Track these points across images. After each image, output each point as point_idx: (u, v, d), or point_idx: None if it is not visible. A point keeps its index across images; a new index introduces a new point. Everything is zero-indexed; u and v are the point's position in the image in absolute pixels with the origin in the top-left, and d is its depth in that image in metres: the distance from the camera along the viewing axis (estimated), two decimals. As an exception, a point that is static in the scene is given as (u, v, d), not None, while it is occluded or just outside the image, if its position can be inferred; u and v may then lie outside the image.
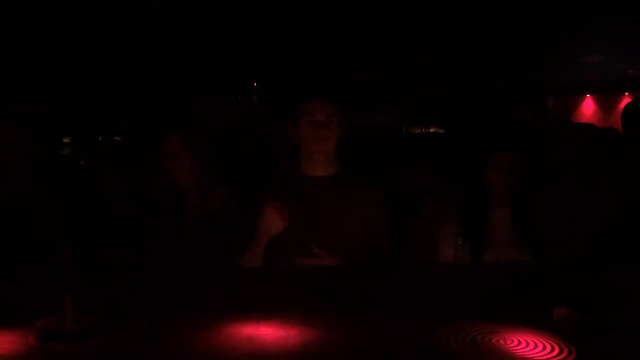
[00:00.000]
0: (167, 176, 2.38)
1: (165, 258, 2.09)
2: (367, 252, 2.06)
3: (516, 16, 5.62)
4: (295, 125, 2.10)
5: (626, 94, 9.11)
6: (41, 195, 2.26)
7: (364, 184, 2.14)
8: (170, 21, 5.30)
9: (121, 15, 5.06)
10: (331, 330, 1.35)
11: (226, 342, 1.29)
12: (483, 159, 2.30)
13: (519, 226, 2.16)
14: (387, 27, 5.80)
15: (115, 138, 7.04)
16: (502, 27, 6.02)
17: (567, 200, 2.26)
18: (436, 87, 8.41)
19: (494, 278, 1.65)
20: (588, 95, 9.52)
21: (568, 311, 1.37)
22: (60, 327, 1.38)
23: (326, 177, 2.10)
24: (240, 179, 2.70)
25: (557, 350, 1.22)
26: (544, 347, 1.24)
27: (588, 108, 9.38)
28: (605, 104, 9.29)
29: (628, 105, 3.06)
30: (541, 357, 1.20)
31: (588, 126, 3.34)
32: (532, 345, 1.26)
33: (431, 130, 8.83)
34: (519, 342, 1.27)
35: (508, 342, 1.27)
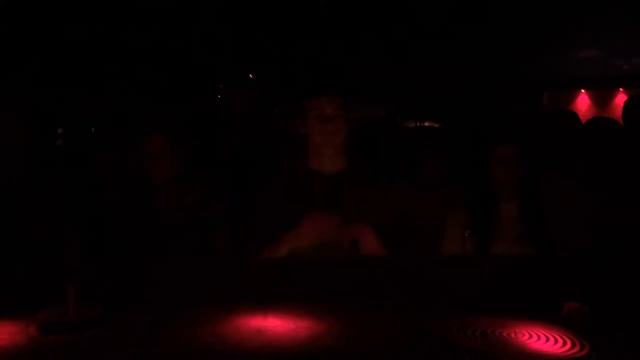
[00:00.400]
0: (146, 172, 2.37)
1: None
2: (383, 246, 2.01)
3: (511, 11, 5.61)
4: (302, 121, 2.05)
5: (621, 89, 9.13)
6: (41, 184, 2.24)
7: (376, 179, 2.10)
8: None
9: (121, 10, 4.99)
10: (340, 322, 1.33)
11: (235, 334, 1.27)
12: (483, 153, 2.29)
13: (526, 220, 2.15)
14: (384, 22, 5.77)
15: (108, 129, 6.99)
16: (498, 21, 6.00)
17: (574, 194, 2.25)
18: (431, 82, 8.40)
19: (502, 272, 1.63)
20: (583, 91, 9.53)
21: (578, 305, 1.37)
22: (61, 319, 1.35)
23: (336, 173, 2.05)
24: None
25: (569, 344, 1.21)
26: (556, 341, 1.22)
27: (583, 103, 9.39)
28: (600, 100, 9.31)
29: (629, 101, 3.07)
30: (555, 351, 1.18)
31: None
32: (543, 339, 1.24)
33: (426, 124, 8.81)
34: (531, 336, 1.25)
35: (520, 336, 1.25)
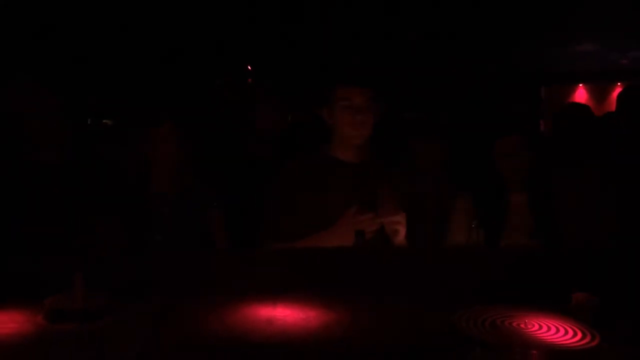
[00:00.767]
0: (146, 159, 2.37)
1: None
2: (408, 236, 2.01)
3: (508, 5, 5.60)
4: (329, 110, 2.03)
5: (618, 83, 9.13)
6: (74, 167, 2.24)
7: (400, 170, 2.10)
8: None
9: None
10: (350, 312, 1.33)
11: (245, 324, 1.26)
12: (486, 145, 2.29)
13: (535, 211, 2.15)
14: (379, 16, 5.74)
15: (105, 122, 6.95)
16: (494, 16, 5.99)
17: (584, 185, 2.25)
18: (428, 76, 8.38)
19: (512, 262, 1.63)
20: (581, 85, 9.54)
21: (587, 296, 1.37)
22: (69, 307, 1.34)
23: (359, 163, 2.03)
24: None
25: (580, 335, 1.21)
26: (566, 332, 1.23)
27: (580, 97, 9.38)
28: (598, 94, 9.31)
29: (622, 92, 3.02)
30: (564, 342, 1.18)
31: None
32: (553, 329, 1.24)
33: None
34: (540, 327, 1.25)
35: (529, 326, 1.25)
